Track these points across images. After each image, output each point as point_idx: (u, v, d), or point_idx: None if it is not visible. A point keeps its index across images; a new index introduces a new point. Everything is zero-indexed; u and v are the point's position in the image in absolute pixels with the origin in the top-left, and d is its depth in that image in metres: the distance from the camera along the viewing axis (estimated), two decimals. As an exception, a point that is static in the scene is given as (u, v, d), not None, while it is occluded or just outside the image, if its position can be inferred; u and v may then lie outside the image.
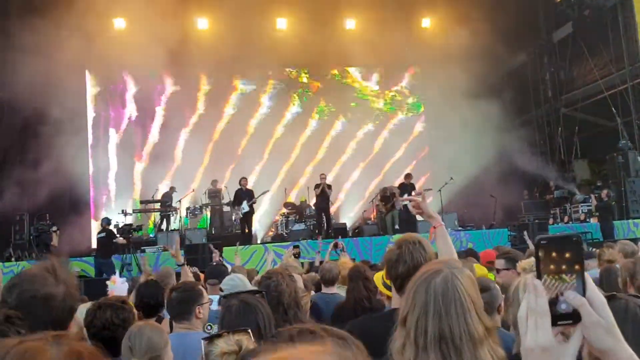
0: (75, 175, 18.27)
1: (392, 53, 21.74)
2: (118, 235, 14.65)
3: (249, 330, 2.40)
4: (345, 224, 18.33)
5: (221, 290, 4.51)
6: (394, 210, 17.38)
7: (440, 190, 17.49)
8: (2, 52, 17.33)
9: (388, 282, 3.14)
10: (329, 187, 17.09)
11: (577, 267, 1.18)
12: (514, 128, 21.33)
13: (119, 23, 19.65)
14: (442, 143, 20.79)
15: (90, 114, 20.72)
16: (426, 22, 23.33)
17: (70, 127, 18.01)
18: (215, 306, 4.09)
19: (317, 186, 17.03)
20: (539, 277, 1.19)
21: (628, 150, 18.40)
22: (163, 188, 19.03)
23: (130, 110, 21.13)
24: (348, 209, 20.65)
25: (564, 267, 1.18)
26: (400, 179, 18.09)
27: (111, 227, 14.92)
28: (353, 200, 21.06)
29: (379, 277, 3.60)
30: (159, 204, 18.27)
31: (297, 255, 7.66)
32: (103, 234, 14.47)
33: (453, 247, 3.14)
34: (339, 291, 5.51)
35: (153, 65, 18.75)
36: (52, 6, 16.66)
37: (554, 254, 1.19)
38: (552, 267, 1.19)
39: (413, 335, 1.77)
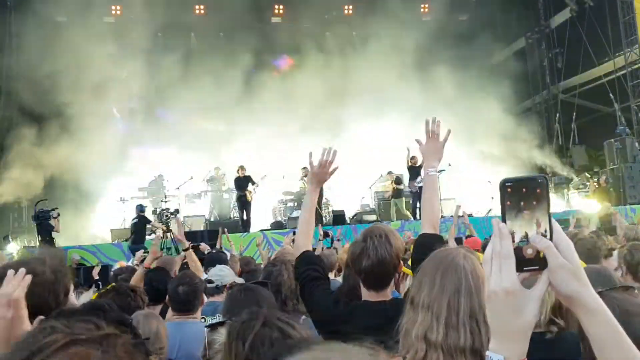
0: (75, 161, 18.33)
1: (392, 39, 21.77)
2: (153, 221, 14.96)
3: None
4: (343, 211, 18.32)
5: (210, 282, 4.49)
6: (399, 198, 17.41)
7: (438, 176, 17.47)
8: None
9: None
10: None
11: (543, 209, 1.15)
12: (512, 114, 21.33)
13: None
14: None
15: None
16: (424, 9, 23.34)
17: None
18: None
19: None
20: (503, 220, 1.16)
21: (625, 136, 18.41)
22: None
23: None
24: (347, 196, 20.63)
25: (530, 209, 1.15)
26: (405, 163, 18.00)
27: (145, 213, 15.21)
28: (352, 187, 21.05)
29: None
30: (149, 191, 18.51)
31: (296, 241, 7.64)
32: (136, 220, 14.72)
33: (437, 196, 3.20)
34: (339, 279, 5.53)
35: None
36: None
37: (519, 197, 1.16)
38: (517, 209, 1.16)
39: (445, 315, 1.78)
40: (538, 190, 1.16)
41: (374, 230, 2.78)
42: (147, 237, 14.63)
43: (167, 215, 13.89)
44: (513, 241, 1.15)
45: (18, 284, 1.97)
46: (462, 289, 1.80)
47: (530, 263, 1.14)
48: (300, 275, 3.05)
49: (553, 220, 1.16)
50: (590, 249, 4.41)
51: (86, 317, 1.15)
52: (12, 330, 1.90)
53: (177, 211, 14.74)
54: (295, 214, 17.42)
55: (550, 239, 1.14)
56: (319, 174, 3.20)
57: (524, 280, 1.15)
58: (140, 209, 15.18)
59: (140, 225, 14.67)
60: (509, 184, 1.17)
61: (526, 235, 1.15)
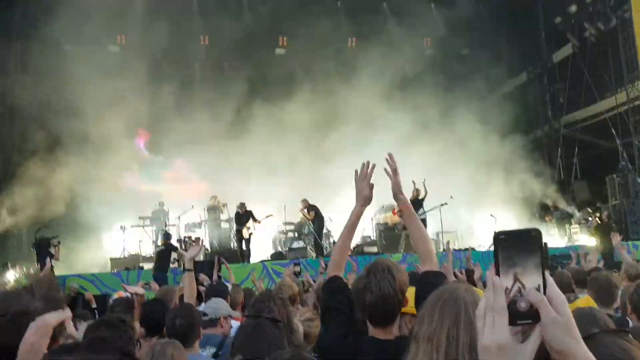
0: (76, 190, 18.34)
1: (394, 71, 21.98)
2: (178, 248, 14.92)
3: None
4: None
5: (204, 314, 4.44)
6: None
7: (440, 210, 17.50)
8: None
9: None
10: (310, 209, 17.31)
11: (536, 262, 1.14)
12: (514, 148, 21.35)
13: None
14: (441, 162, 20.77)
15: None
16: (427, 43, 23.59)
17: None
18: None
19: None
20: (497, 273, 1.15)
21: (627, 171, 18.41)
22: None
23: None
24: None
25: (523, 262, 1.14)
26: (409, 195, 18.00)
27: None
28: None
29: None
30: (150, 220, 18.48)
31: (297, 273, 7.60)
32: (162, 248, 14.81)
33: (425, 230, 3.04)
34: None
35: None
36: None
37: (513, 249, 1.15)
38: (511, 262, 1.15)
39: (445, 347, 1.75)
40: (532, 243, 1.15)
41: (377, 264, 2.72)
42: (171, 266, 14.72)
43: (190, 243, 13.88)
44: (507, 294, 1.14)
45: (59, 315, 1.97)
46: (461, 321, 1.77)
47: (524, 317, 1.13)
48: (322, 302, 3.02)
49: (547, 274, 1.15)
50: (606, 287, 4.31)
51: (92, 353, 1.14)
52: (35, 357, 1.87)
53: (198, 239, 14.77)
54: (295, 244, 17.35)
55: (544, 292, 1.13)
56: (361, 188, 3.14)
57: (516, 334, 1.13)
58: (167, 236, 15.24)
59: (165, 253, 14.72)
60: (503, 236, 1.17)
61: (520, 289, 1.14)
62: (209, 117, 20.33)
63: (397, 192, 3.12)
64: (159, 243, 15.71)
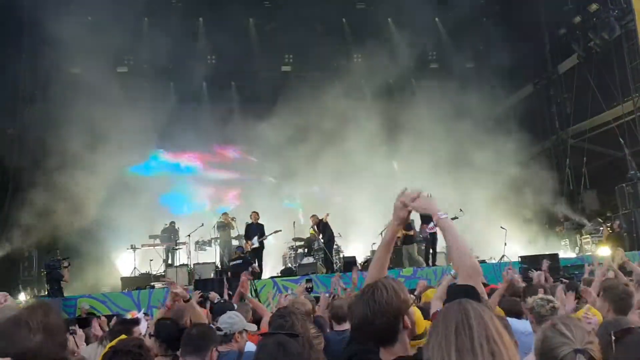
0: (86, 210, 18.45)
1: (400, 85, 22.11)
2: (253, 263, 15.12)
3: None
4: (354, 257, 18.21)
5: (219, 329, 4.39)
6: (409, 244, 17.32)
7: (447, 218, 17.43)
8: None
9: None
10: (318, 225, 17.29)
11: None
12: (522, 160, 21.31)
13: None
14: (448, 175, 20.75)
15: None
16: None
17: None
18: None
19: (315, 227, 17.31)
20: None
21: (637, 180, 18.32)
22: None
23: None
24: (358, 242, 20.51)
25: None
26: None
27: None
28: (363, 232, 20.97)
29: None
30: (160, 239, 18.55)
31: (309, 290, 7.57)
32: (239, 261, 14.82)
33: (462, 240, 2.88)
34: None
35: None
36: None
37: None
38: None
39: None
40: None
41: (373, 283, 2.67)
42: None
43: None
44: None
45: None
46: (465, 347, 1.78)
47: None
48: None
49: None
50: (622, 298, 4.28)
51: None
52: None
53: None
54: (305, 260, 17.31)
55: None
56: (399, 209, 3.13)
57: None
58: (242, 250, 15.51)
59: (243, 268, 14.71)
60: None
61: None
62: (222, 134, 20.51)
63: (425, 209, 3.08)
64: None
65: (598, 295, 4.44)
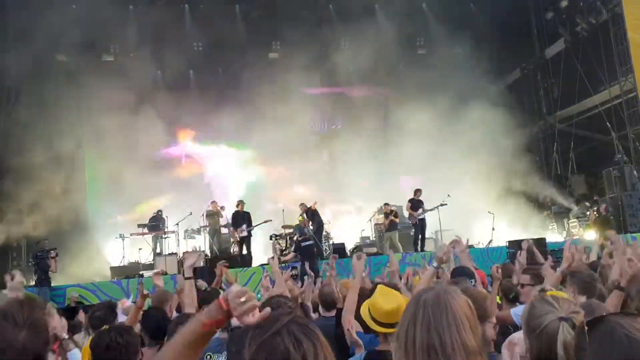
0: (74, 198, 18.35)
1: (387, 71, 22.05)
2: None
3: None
4: (343, 243, 18.25)
5: None
6: (392, 231, 17.40)
7: (438, 209, 17.54)
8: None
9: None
10: (307, 213, 17.25)
11: None
12: (509, 144, 21.38)
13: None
14: (437, 160, 20.76)
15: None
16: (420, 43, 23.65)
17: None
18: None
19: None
20: None
21: (624, 164, 18.44)
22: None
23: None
24: (347, 228, 20.54)
25: None
26: (409, 195, 17.98)
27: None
28: (352, 219, 21.01)
29: (365, 311, 3.46)
30: (149, 227, 18.49)
31: (295, 277, 7.55)
32: (310, 242, 15.03)
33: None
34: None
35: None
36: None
37: None
38: None
39: (403, 345, 1.84)
40: None
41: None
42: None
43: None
44: None
45: None
46: (418, 320, 1.85)
47: None
48: None
49: None
50: (588, 282, 4.30)
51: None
52: None
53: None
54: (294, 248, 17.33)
55: None
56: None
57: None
58: (303, 232, 15.42)
59: (314, 248, 15.20)
60: None
61: None
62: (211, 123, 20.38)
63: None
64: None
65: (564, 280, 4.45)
